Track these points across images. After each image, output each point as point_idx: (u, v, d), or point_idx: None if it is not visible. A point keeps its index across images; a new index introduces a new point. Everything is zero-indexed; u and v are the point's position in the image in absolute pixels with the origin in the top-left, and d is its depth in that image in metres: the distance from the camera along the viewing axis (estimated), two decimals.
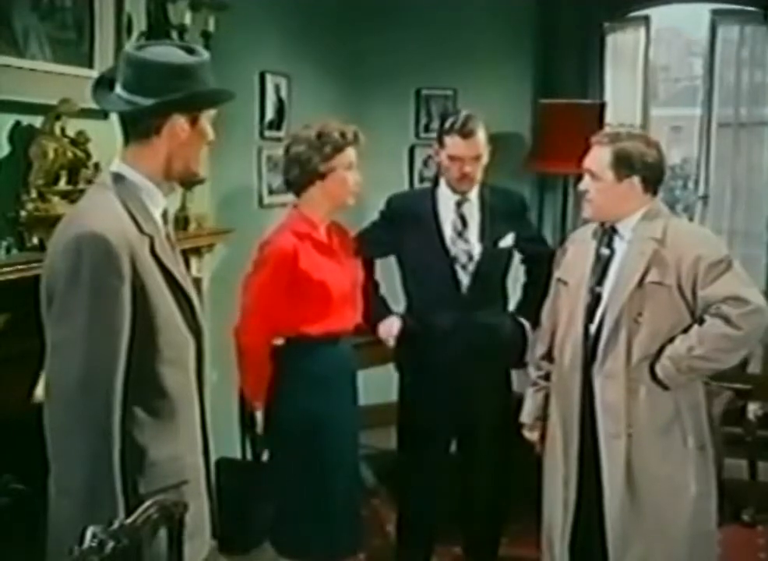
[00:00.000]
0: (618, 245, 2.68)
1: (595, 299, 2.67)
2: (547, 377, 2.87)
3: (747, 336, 2.54)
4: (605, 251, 2.69)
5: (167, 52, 1.94)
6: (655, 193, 2.69)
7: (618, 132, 2.70)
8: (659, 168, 2.66)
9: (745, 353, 2.65)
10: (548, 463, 2.81)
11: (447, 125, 3.17)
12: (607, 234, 2.71)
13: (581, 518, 2.71)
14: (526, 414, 2.93)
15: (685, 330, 2.57)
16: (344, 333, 2.94)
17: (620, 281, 2.62)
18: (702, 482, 2.65)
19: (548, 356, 2.87)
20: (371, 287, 3.27)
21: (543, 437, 2.87)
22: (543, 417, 2.87)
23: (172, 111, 1.89)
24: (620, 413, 2.59)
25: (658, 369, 2.57)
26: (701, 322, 2.56)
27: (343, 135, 2.84)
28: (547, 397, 2.85)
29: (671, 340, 2.57)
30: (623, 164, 2.60)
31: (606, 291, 2.65)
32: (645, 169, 2.62)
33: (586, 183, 2.68)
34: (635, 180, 2.62)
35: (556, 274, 2.85)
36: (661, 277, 2.56)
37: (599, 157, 2.63)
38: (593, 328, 2.66)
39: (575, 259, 2.78)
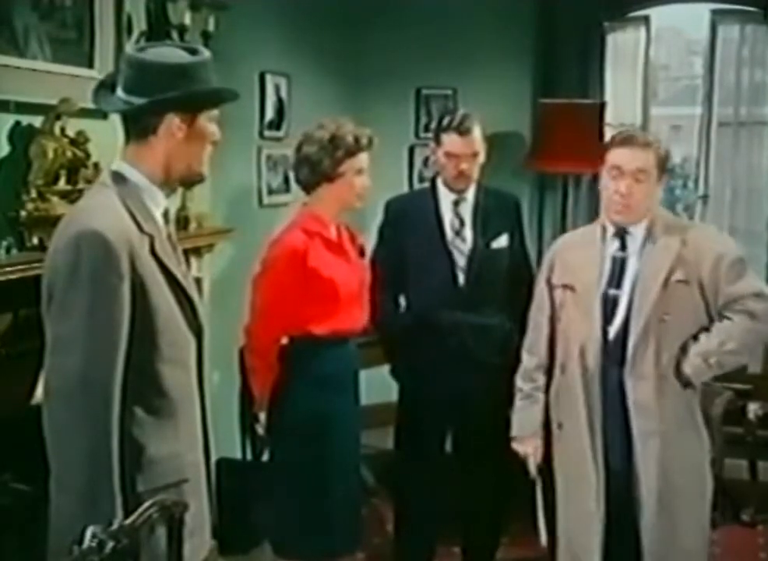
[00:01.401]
0: (632, 246, 2.65)
1: (612, 302, 2.64)
2: (542, 389, 2.80)
3: None
4: (619, 253, 2.67)
5: (165, 53, 1.93)
6: None
7: (643, 134, 2.72)
8: None
9: (761, 347, 2.69)
10: (570, 474, 2.73)
11: (444, 123, 3.19)
12: (619, 235, 2.67)
13: (611, 524, 2.67)
14: (521, 427, 2.85)
15: (706, 328, 2.59)
16: (352, 334, 2.93)
17: (645, 282, 2.60)
18: (711, 477, 2.71)
19: (542, 367, 2.80)
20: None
21: (547, 449, 2.81)
22: (541, 429, 2.81)
23: (167, 111, 1.88)
24: (652, 412, 2.59)
25: (687, 367, 2.57)
26: (723, 318, 2.58)
27: (357, 139, 2.82)
28: (544, 409, 2.80)
29: (694, 337, 2.59)
30: (663, 165, 2.63)
31: (624, 293, 2.63)
32: (668, 168, 2.69)
33: (629, 186, 2.59)
34: (665, 179, 2.67)
35: (553, 280, 2.78)
36: (685, 276, 2.57)
37: (645, 158, 2.59)
38: (612, 331, 2.63)
39: (579, 263, 2.73)
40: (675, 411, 2.62)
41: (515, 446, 2.88)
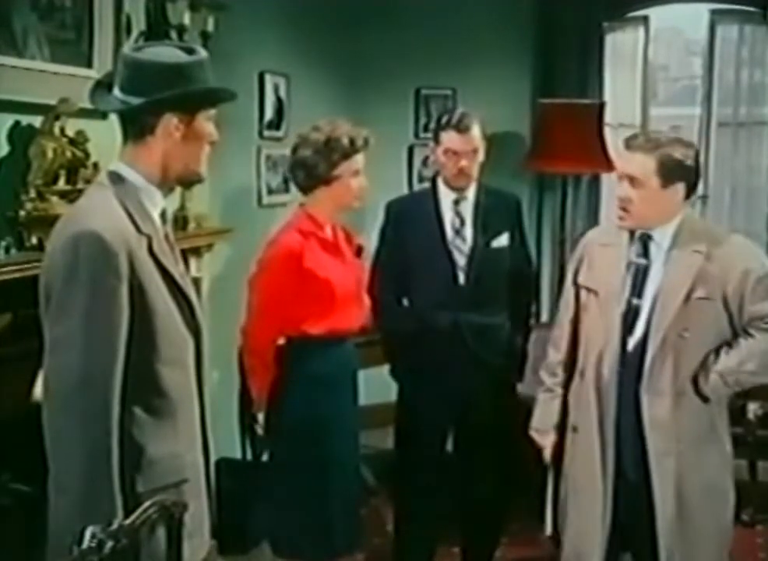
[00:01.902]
0: (655, 253, 2.57)
1: (633, 311, 2.57)
2: (562, 384, 2.76)
3: None
4: (641, 260, 2.58)
5: (162, 52, 1.93)
6: (688, 197, 2.60)
7: (658, 136, 2.56)
8: (699, 172, 2.59)
9: None
10: (581, 480, 2.68)
11: (443, 121, 3.20)
12: (642, 241, 2.59)
13: (620, 535, 2.64)
14: (541, 421, 2.81)
15: (728, 344, 2.53)
16: (350, 333, 2.93)
17: (665, 297, 2.52)
18: (734, 490, 2.66)
19: (565, 363, 2.76)
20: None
21: (560, 446, 2.77)
22: (558, 425, 2.77)
23: (164, 111, 1.88)
24: (668, 430, 2.52)
25: (706, 384, 2.51)
26: (747, 336, 2.52)
27: (352, 141, 2.81)
28: (563, 404, 2.75)
29: (716, 353, 2.52)
30: (670, 171, 2.49)
31: (646, 303, 2.55)
32: (689, 174, 2.54)
33: (626, 190, 2.53)
34: (680, 186, 2.53)
35: (579, 280, 2.72)
36: (708, 292, 2.49)
37: (642, 163, 2.49)
38: (632, 342, 2.57)
39: (603, 266, 2.65)
40: (694, 429, 2.55)
41: (533, 434, 2.84)
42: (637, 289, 2.58)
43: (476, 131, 3.16)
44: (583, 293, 2.70)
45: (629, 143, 2.56)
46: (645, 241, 2.59)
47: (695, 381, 2.53)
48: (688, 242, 2.54)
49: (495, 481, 3.34)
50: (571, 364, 2.75)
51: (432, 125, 3.41)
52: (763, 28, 5.22)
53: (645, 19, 5.43)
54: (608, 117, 5.02)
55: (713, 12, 5.42)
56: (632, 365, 2.56)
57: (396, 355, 3.39)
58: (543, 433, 2.82)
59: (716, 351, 2.53)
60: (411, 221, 3.28)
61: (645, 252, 2.59)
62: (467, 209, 3.25)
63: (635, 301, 2.57)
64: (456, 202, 3.25)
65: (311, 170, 2.83)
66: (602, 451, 2.60)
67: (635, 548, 2.70)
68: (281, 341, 2.89)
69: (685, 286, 2.49)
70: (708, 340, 2.54)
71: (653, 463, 2.54)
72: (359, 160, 2.86)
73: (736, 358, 2.51)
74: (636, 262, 2.59)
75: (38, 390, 1.92)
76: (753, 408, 4.05)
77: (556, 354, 2.79)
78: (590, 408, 2.62)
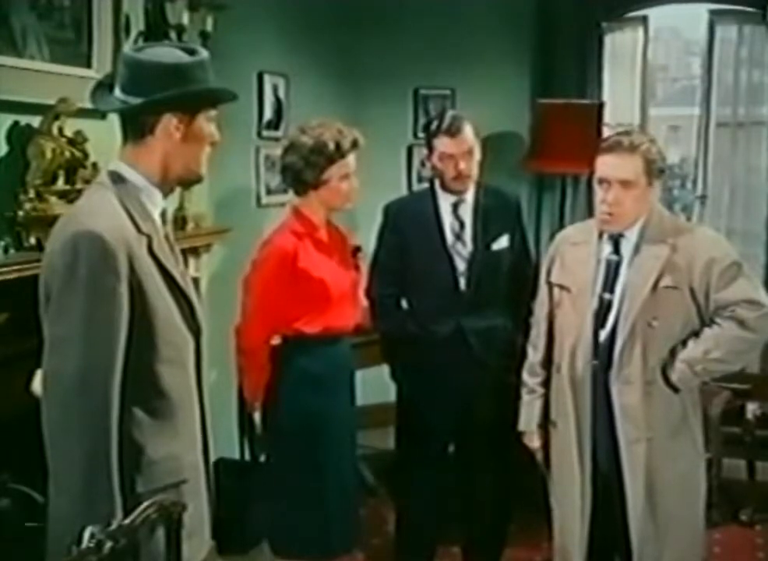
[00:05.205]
0: (625, 248, 2.63)
1: (606, 306, 2.62)
2: (543, 383, 2.81)
3: (761, 338, 2.57)
4: (613, 257, 2.64)
5: (162, 53, 1.93)
6: None
7: (631, 137, 2.57)
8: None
9: (755, 355, 2.65)
10: (560, 472, 2.76)
11: (433, 128, 3.18)
12: (613, 239, 2.64)
13: (596, 526, 2.69)
14: (526, 422, 2.85)
15: (696, 333, 2.57)
16: (344, 332, 2.94)
17: (633, 287, 2.57)
18: (705, 482, 2.70)
19: (544, 362, 2.81)
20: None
21: (545, 445, 2.82)
22: (543, 424, 2.81)
23: (164, 111, 1.88)
24: (639, 418, 2.57)
25: (673, 373, 2.56)
26: (713, 324, 2.55)
27: (338, 146, 2.81)
28: (545, 404, 2.80)
29: (683, 343, 2.57)
30: (654, 168, 2.55)
31: (617, 297, 2.61)
32: (664, 168, 2.61)
33: (616, 194, 2.54)
34: (658, 182, 2.60)
35: (551, 278, 2.78)
36: (675, 282, 2.54)
37: (633, 165, 2.53)
38: (603, 334, 2.62)
39: (574, 264, 2.71)
40: (664, 417, 2.60)
41: (524, 440, 2.88)
42: (608, 284, 2.64)
43: (468, 132, 3.14)
44: (556, 290, 2.76)
45: (613, 148, 2.56)
46: (617, 239, 2.64)
47: (664, 371, 2.58)
48: (655, 235, 2.60)
49: (497, 483, 3.34)
50: (550, 362, 2.79)
51: (423, 134, 3.37)
52: (762, 28, 5.21)
53: (644, 20, 5.43)
54: (607, 117, 5.02)
55: (712, 12, 5.41)
56: (603, 357, 2.62)
57: (397, 357, 3.38)
58: (529, 435, 2.86)
59: (684, 342, 2.58)
60: (410, 225, 3.26)
61: (616, 249, 2.65)
62: (467, 212, 3.23)
63: (606, 296, 2.63)
64: (456, 206, 3.23)
65: (298, 175, 2.85)
66: (579, 445, 2.65)
67: (617, 546, 2.73)
68: (276, 341, 2.89)
69: (652, 275, 2.55)
70: (676, 330, 2.58)
71: (624, 450, 2.60)
72: (348, 163, 2.85)
73: (702, 347, 2.55)
74: (608, 259, 2.65)
75: (36, 384, 1.92)
76: (752, 408, 4.06)
77: (536, 354, 2.84)
78: (566, 403, 2.68)
